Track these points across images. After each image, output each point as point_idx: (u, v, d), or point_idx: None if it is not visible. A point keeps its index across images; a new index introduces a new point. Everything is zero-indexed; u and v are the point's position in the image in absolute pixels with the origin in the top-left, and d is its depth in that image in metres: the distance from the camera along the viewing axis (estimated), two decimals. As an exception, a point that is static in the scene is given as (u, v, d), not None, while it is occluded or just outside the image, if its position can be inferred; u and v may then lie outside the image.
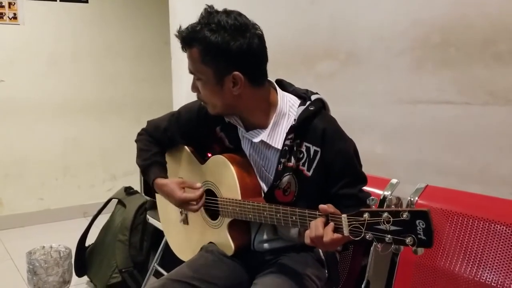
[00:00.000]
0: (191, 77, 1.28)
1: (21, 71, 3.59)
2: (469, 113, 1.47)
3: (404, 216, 0.90)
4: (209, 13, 1.21)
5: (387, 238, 0.93)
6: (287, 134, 1.25)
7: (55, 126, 3.76)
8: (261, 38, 1.23)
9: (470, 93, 1.47)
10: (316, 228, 1.05)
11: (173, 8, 2.81)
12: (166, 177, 1.44)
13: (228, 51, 1.17)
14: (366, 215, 0.97)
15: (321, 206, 1.06)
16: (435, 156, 1.58)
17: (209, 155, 1.44)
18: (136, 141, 1.53)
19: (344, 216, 1.01)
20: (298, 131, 1.25)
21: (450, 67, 1.52)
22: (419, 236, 0.90)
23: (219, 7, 1.23)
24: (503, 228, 1.28)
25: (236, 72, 1.20)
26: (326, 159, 1.24)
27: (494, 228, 1.30)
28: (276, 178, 1.28)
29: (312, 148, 1.25)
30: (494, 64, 1.40)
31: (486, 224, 1.31)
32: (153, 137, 1.50)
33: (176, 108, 1.51)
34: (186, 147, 1.51)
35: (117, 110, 4.00)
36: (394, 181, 1.60)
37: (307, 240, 1.07)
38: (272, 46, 2.15)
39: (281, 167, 1.26)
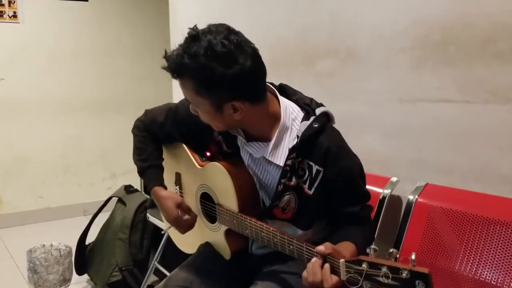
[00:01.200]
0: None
1: (21, 70, 3.59)
2: (470, 112, 1.47)
3: (404, 274, 0.88)
4: (194, 38, 1.10)
5: None
6: (289, 153, 1.19)
7: (55, 125, 3.77)
8: (255, 55, 1.13)
9: (470, 92, 1.47)
10: (314, 273, 1.00)
11: (173, 6, 2.81)
12: (164, 185, 1.42)
13: (223, 81, 1.08)
14: (364, 265, 0.94)
15: (318, 248, 1.02)
16: (435, 155, 1.58)
17: (208, 154, 1.41)
18: (133, 133, 1.48)
19: (342, 261, 0.98)
20: (301, 150, 1.19)
21: (450, 66, 1.52)
22: None
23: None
24: (503, 227, 1.28)
25: (235, 102, 1.13)
26: (329, 177, 1.19)
27: (494, 226, 1.30)
28: (276, 198, 1.24)
29: (315, 167, 1.20)
30: (494, 63, 1.40)
31: (486, 223, 1.32)
32: (149, 131, 1.44)
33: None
34: (184, 145, 1.48)
35: (117, 109, 4.00)
36: (394, 179, 1.61)
37: (304, 283, 1.03)
38: (272, 45, 2.16)
39: (282, 187, 1.22)
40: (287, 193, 1.23)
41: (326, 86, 1.95)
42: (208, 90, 1.12)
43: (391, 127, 1.72)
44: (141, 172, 1.44)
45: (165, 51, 1.16)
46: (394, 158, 1.72)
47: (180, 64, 1.11)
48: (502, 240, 1.27)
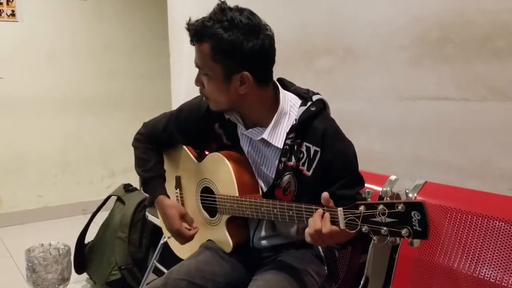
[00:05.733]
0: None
1: (20, 68, 3.58)
2: (468, 109, 1.47)
3: (399, 208, 0.91)
4: (222, 9, 1.19)
5: (382, 230, 0.94)
6: (288, 133, 1.25)
7: (54, 123, 3.76)
8: (272, 39, 1.22)
9: (469, 89, 1.47)
10: (314, 222, 1.05)
11: (171, 3, 2.81)
12: (168, 195, 1.45)
13: (241, 51, 1.16)
14: (362, 207, 0.97)
15: (324, 194, 1.07)
16: (434, 152, 1.58)
17: (207, 153, 1.44)
18: (133, 146, 1.51)
19: (340, 209, 1.02)
20: (299, 131, 1.24)
21: (449, 63, 1.51)
22: (414, 227, 0.90)
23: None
24: (501, 224, 1.28)
25: (245, 72, 1.19)
26: (326, 159, 1.24)
27: (492, 224, 1.30)
28: (277, 177, 1.27)
29: (312, 148, 1.24)
30: (492, 60, 1.40)
31: (484, 220, 1.31)
32: (150, 140, 1.49)
33: (174, 104, 1.51)
34: (184, 146, 1.50)
35: (116, 106, 4.00)
36: (393, 177, 1.60)
37: (307, 238, 1.08)
38: (270, 42, 2.15)
39: (282, 166, 1.26)
40: (287, 173, 1.26)
41: (325, 83, 1.94)
42: (224, 56, 1.18)
43: (389, 124, 1.72)
44: (145, 182, 1.47)
45: (189, 18, 1.22)
46: (393, 156, 1.71)
47: (203, 27, 1.18)
48: (501, 238, 1.27)
